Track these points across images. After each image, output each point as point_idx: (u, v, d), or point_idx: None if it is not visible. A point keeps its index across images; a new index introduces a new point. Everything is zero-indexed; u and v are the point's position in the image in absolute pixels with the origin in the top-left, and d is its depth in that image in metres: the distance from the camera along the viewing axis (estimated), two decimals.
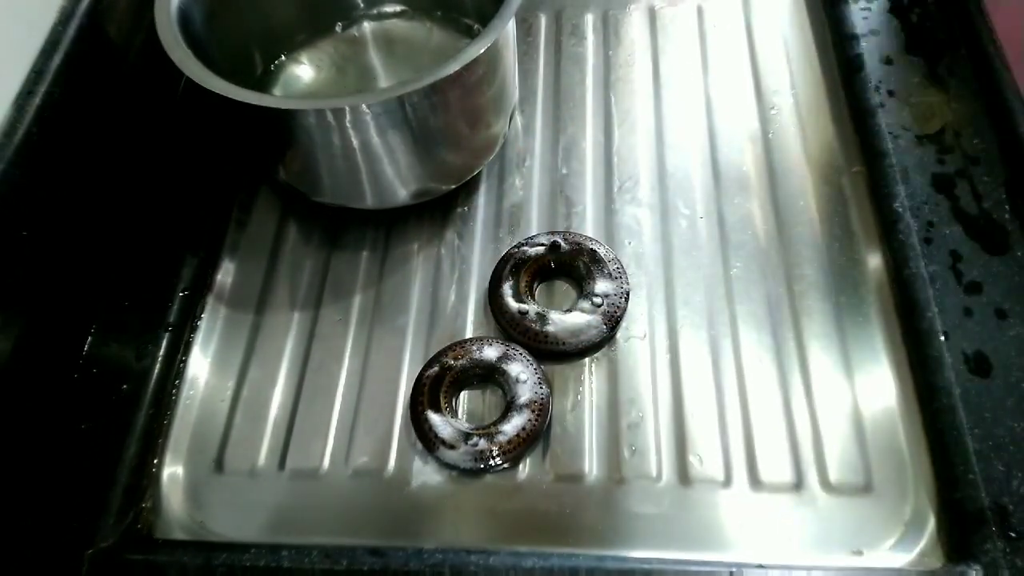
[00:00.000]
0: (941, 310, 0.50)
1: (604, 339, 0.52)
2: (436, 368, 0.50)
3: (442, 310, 0.55)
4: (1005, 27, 0.58)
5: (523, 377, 0.49)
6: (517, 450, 0.47)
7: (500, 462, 0.47)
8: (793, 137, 0.62)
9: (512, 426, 0.47)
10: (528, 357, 0.50)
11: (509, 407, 0.49)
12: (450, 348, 0.51)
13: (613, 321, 0.52)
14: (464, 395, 0.52)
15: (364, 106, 0.48)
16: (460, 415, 0.50)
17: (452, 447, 0.47)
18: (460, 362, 0.50)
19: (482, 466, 0.47)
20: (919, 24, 0.64)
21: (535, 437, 0.48)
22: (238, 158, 0.63)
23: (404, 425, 0.50)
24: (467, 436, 0.47)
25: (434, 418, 0.48)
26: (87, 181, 0.55)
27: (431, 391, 0.49)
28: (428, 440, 0.48)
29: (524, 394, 0.48)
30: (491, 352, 0.50)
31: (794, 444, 0.48)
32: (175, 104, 0.65)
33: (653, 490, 0.47)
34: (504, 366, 0.50)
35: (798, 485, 0.47)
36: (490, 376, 0.51)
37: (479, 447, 0.47)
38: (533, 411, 0.48)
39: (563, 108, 0.65)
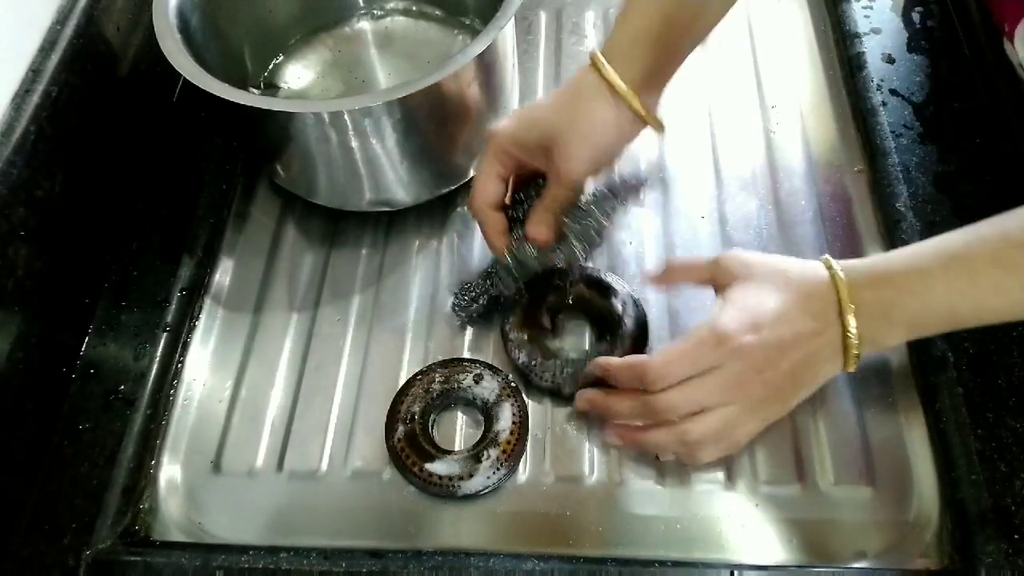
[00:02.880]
0: None
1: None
2: (402, 427, 0.48)
3: (441, 310, 0.55)
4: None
5: (489, 387, 0.49)
6: (516, 449, 0.47)
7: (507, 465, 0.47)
8: (795, 136, 0.62)
9: (503, 427, 0.47)
10: (492, 368, 0.50)
11: (488, 421, 0.48)
12: (402, 397, 0.49)
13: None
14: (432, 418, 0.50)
15: (361, 109, 0.47)
16: (437, 436, 0.49)
17: (470, 475, 0.46)
18: (419, 407, 0.48)
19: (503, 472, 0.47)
20: (921, 23, 0.64)
21: (523, 436, 0.48)
22: (236, 157, 0.63)
23: None
24: (476, 457, 0.46)
25: (433, 466, 0.46)
26: (85, 180, 0.55)
27: (412, 449, 0.47)
28: (445, 486, 0.46)
29: (500, 413, 0.48)
30: (449, 381, 0.49)
31: (796, 444, 0.48)
32: (173, 103, 0.65)
33: (654, 491, 0.47)
34: (469, 391, 0.49)
35: (800, 486, 0.47)
36: (456, 403, 0.50)
37: (492, 457, 0.46)
38: (514, 415, 0.48)
39: None
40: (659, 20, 0.46)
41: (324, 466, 0.50)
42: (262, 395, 0.52)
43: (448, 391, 0.49)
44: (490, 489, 0.46)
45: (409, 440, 0.47)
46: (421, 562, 0.43)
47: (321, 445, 0.50)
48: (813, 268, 0.43)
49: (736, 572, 0.43)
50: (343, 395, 0.52)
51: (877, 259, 0.43)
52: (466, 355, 0.52)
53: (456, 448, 0.48)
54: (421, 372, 0.50)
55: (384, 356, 0.53)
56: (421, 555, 0.44)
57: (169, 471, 0.50)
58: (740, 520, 0.46)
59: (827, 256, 0.44)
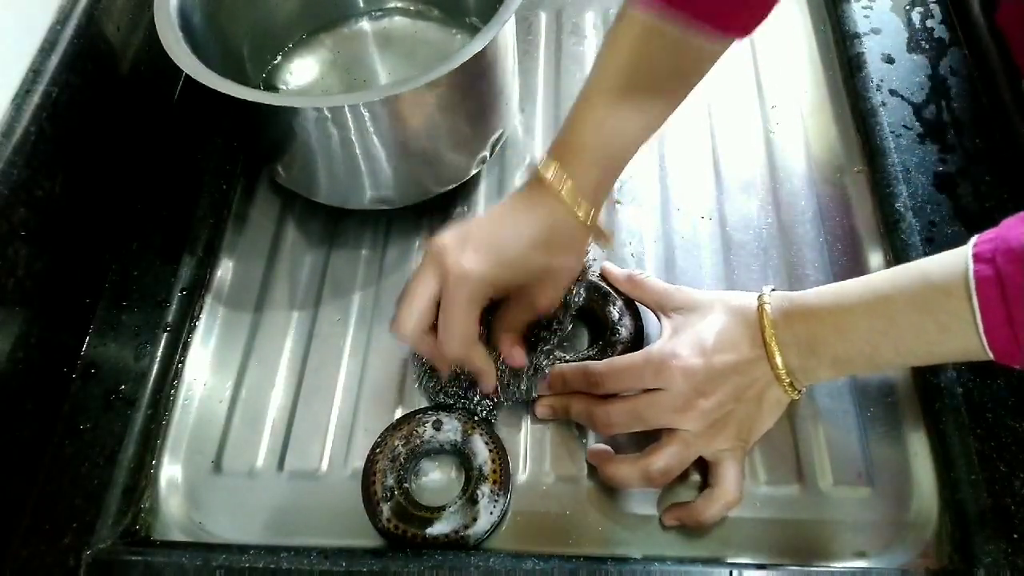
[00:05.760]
0: None
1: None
2: (385, 506, 0.45)
3: None
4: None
5: (451, 428, 0.48)
6: (504, 475, 0.47)
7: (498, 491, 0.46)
8: (795, 136, 0.62)
9: (483, 460, 0.47)
10: (446, 408, 0.49)
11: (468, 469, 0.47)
12: (372, 477, 0.46)
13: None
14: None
15: (362, 105, 0.47)
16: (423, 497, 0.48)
17: (474, 520, 0.45)
18: (393, 478, 0.46)
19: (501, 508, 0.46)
20: (921, 23, 0.64)
21: (504, 460, 0.47)
22: (236, 157, 0.63)
23: None
24: (472, 499, 0.45)
25: (434, 529, 0.45)
26: (85, 180, 0.55)
27: (405, 522, 0.45)
28: (454, 541, 0.44)
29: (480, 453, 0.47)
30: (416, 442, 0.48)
31: (795, 445, 0.48)
32: (173, 103, 0.65)
33: (654, 491, 0.47)
34: (434, 440, 0.48)
35: (800, 486, 0.47)
36: (426, 456, 0.49)
37: (485, 493, 0.46)
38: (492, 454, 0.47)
39: (563, 107, 0.65)
40: (616, 117, 0.45)
41: (324, 466, 0.50)
42: (262, 395, 0.52)
43: (413, 450, 0.47)
44: (496, 524, 0.45)
45: (398, 515, 0.45)
46: (421, 562, 0.43)
47: (321, 445, 0.50)
48: (749, 299, 0.45)
49: (736, 572, 0.43)
50: (343, 395, 0.52)
51: (809, 293, 0.44)
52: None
53: (447, 500, 0.46)
54: (378, 444, 0.47)
55: (384, 356, 0.53)
56: (421, 555, 0.44)
57: (169, 471, 0.50)
58: (740, 520, 0.46)
59: (766, 288, 0.45)
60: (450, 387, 0.50)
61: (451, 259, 0.43)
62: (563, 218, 0.45)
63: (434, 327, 0.45)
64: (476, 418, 0.48)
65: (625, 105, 0.45)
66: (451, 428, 0.48)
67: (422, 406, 0.50)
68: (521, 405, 0.50)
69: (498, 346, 0.48)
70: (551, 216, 0.45)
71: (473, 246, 0.44)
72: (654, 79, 0.45)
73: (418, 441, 0.47)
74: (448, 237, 0.44)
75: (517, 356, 0.48)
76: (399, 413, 0.51)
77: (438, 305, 0.44)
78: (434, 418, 0.48)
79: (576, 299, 0.50)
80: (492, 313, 0.49)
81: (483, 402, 0.49)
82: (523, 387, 0.49)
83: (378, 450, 0.47)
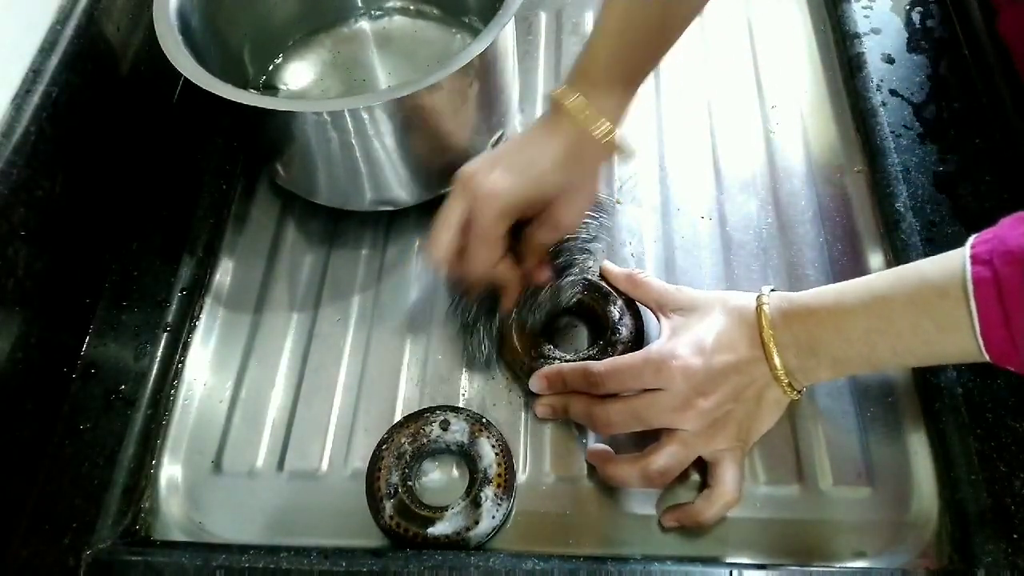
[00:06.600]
0: None
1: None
2: (388, 503, 0.45)
3: (441, 310, 0.55)
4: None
5: (459, 428, 0.48)
6: (508, 478, 0.47)
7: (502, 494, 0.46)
8: (795, 136, 0.62)
9: (488, 463, 0.47)
10: (454, 409, 0.49)
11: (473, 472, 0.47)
12: (376, 473, 0.46)
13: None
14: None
15: (363, 109, 0.47)
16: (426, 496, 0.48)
17: (476, 522, 0.45)
18: (397, 476, 0.46)
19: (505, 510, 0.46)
20: (921, 23, 0.64)
21: (510, 463, 0.47)
22: (236, 157, 0.63)
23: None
24: (475, 501, 0.45)
25: (435, 529, 0.45)
26: (85, 180, 0.55)
27: (407, 520, 0.45)
28: (455, 542, 0.44)
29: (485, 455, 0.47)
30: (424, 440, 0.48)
31: (795, 445, 0.48)
32: (173, 103, 0.65)
33: (654, 491, 0.47)
34: (440, 440, 0.48)
35: (800, 486, 0.47)
36: (432, 456, 0.49)
37: (489, 496, 0.45)
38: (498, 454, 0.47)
39: None
40: (631, 37, 0.47)
41: (324, 466, 0.50)
42: (263, 395, 0.52)
43: (419, 449, 0.47)
44: (498, 528, 0.45)
45: (400, 512, 0.45)
46: (421, 562, 0.43)
47: (321, 445, 0.50)
48: (749, 299, 0.46)
49: (736, 572, 0.43)
50: (343, 395, 0.52)
51: (808, 293, 0.44)
52: (463, 356, 0.52)
53: (450, 501, 0.46)
54: (384, 440, 0.47)
55: (384, 356, 0.53)
56: (421, 555, 0.44)
57: (169, 471, 0.50)
58: (740, 520, 0.46)
59: (765, 288, 0.46)
60: (479, 307, 0.52)
61: (479, 181, 0.46)
62: (583, 139, 0.47)
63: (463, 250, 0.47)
64: (484, 419, 0.48)
65: (638, 28, 0.46)
66: (458, 429, 0.48)
67: (424, 406, 0.50)
68: (519, 404, 0.50)
69: (525, 264, 0.50)
70: (571, 137, 0.47)
71: (500, 169, 0.46)
72: (663, 3, 0.47)
73: (424, 440, 0.47)
74: (476, 163, 0.47)
75: (542, 273, 0.50)
76: (399, 413, 0.51)
77: (466, 229, 0.47)
78: (441, 418, 0.48)
79: (591, 231, 0.52)
80: (518, 240, 0.50)
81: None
82: (541, 303, 0.51)
83: (384, 447, 0.47)
